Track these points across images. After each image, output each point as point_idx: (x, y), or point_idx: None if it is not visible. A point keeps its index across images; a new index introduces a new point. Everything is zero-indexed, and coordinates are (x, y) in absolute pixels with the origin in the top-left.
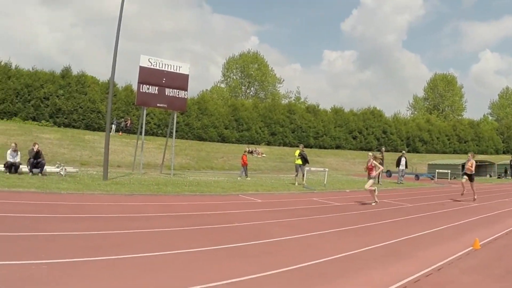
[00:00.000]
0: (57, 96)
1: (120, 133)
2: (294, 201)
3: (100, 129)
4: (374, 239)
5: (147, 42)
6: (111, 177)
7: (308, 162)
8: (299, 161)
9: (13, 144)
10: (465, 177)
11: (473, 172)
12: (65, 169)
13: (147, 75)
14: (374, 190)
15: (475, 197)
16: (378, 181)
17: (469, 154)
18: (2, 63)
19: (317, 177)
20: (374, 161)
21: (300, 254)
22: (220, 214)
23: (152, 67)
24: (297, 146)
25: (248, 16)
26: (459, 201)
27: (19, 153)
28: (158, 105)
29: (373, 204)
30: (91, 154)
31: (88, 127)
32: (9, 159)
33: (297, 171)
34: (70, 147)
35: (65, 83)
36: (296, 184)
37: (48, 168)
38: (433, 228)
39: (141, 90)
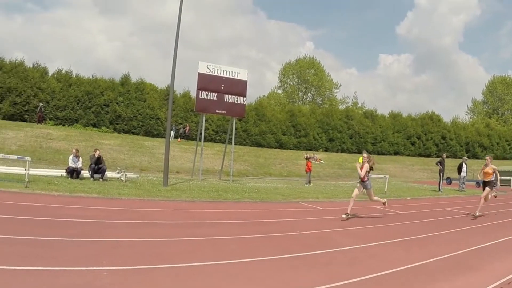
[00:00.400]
0: (117, 103)
1: (179, 140)
2: (356, 208)
3: (159, 135)
4: (440, 250)
5: (203, 49)
6: (171, 183)
7: (372, 169)
8: None
9: (74, 150)
10: (487, 188)
11: (492, 180)
12: (126, 174)
13: (206, 82)
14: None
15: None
16: (439, 189)
17: (487, 158)
18: (63, 72)
19: (377, 184)
20: (366, 164)
21: (366, 265)
22: (282, 222)
23: (210, 73)
24: (356, 152)
25: (303, 21)
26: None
27: (80, 158)
28: (217, 111)
29: (344, 216)
30: (151, 160)
31: (147, 133)
32: (71, 164)
33: None
34: (130, 153)
35: (125, 90)
36: None
37: (109, 174)
38: (500, 238)
39: (200, 97)
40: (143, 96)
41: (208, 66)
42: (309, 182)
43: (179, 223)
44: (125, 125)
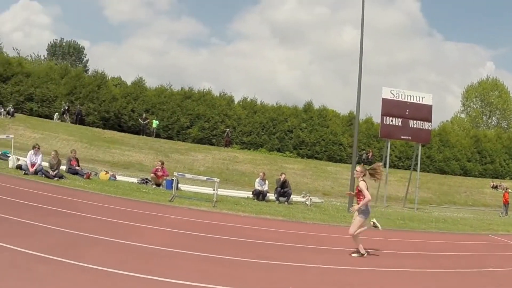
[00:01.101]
0: (300, 129)
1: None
2: None
3: (341, 160)
4: None
5: (381, 74)
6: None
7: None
8: None
9: (261, 173)
10: None
11: None
12: (311, 199)
13: (390, 107)
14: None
15: None
16: None
17: None
18: (248, 99)
19: None
20: (362, 180)
21: None
22: (471, 256)
23: (394, 98)
24: None
25: (481, 41)
26: None
27: (266, 181)
28: (402, 137)
29: (354, 255)
30: (333, 185)
31: (330, 159)
32: (257, 187)
33: None
34: (313, 177)
35: (307, 116)
36: None
37: (293, 198)
38: None
39: (384, 123)
40: (326, 122)
41: (392, 91)
42: (502, 213)
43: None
44: (309, 150)
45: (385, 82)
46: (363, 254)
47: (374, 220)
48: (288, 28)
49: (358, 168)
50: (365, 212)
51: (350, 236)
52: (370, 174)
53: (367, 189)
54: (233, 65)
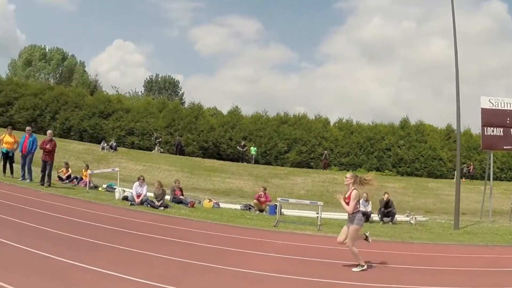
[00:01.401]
0: (398, 146)
1: (463, 179)
2: None
3: (442, 176)
4: None
5: (473, 83)
6: (461, 225)
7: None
8: None
9: (365, 194)
10: None
11: None
12: (415, 217)
13: (490, 117)
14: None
15: None
16: None
17: None
18: (344, 120)
19: None
20: (354, 189)
21: None
22: None
23: (494, 107)
24: None
25: None
26: None
27: (370, 202)
28: (504, 147)
29: (356, 270)
30: (435, 202)
31: (430, 175)
32: (361, 208)
33: None
34: (415, 195)
35: (405, 133)
36: None
37: (397, 217)
38: None
39: (485, 134)
40: (424, 138)
41: (491, 100)
42: None
43: (475, 271)
44: (408, 167)
45: (478, 91)
46: (362, 266)
47: (367, 233)
48: (375, 46)
49: (349, 175)
50: (360, 218)
51: (340, 244)
52: (360, 182)
53: (355, 200)
54: (324, 87)
